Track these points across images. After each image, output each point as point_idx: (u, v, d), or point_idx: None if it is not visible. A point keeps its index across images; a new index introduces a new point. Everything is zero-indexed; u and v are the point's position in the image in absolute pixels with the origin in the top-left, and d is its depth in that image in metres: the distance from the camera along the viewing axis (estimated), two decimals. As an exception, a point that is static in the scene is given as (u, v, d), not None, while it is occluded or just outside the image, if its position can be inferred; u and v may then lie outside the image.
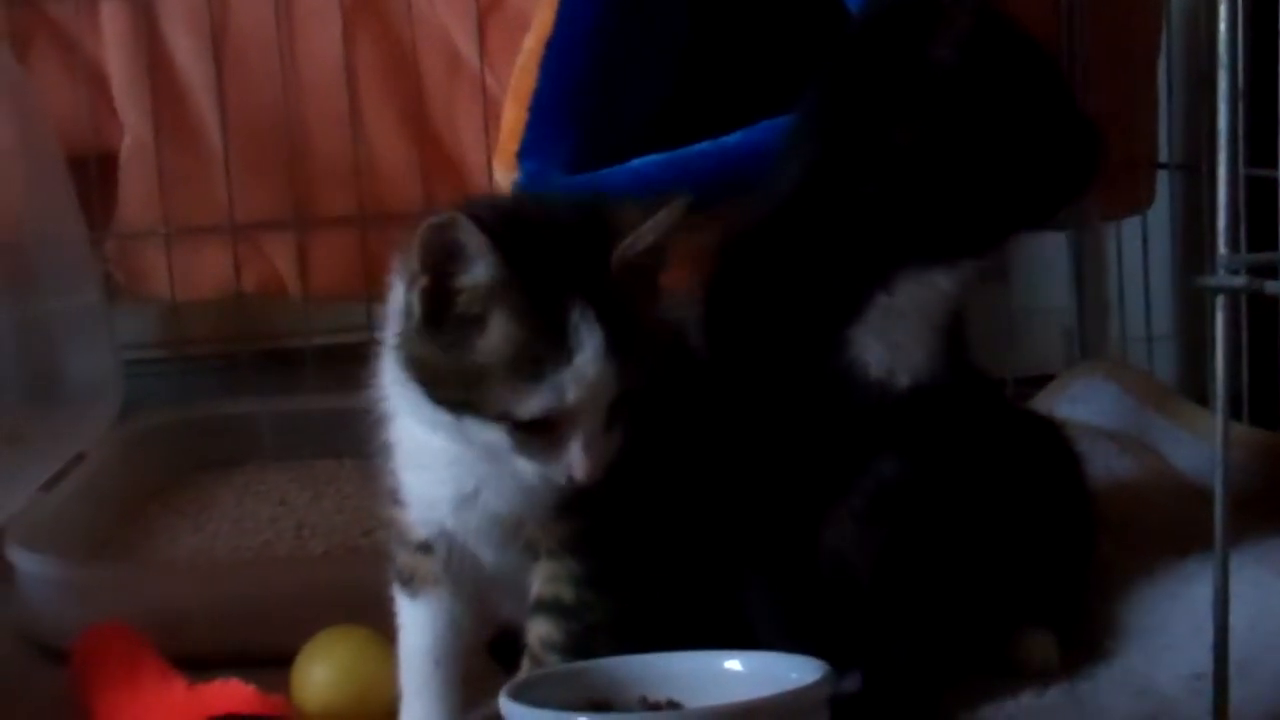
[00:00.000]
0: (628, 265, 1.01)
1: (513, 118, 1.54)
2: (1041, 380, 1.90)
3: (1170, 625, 1.26)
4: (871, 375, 1.12)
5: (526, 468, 1.02)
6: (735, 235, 1.19)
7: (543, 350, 0.98)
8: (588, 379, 0.99)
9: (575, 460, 1.00)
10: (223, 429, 1.82)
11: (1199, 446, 1.59)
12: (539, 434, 1.00)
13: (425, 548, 1.12)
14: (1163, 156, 1.89)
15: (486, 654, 1.23)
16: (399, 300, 1.04)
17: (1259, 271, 0.86)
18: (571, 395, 0.98)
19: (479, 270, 0.98)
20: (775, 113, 1.41)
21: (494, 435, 1.01)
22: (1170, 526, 1.40)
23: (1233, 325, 0.87)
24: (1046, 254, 2.03)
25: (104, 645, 1.24)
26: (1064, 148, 1.12)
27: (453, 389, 1.01)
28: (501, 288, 0.98)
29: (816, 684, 1.05)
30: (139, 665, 1.21)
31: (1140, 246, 1.89)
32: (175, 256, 1.84)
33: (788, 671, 1.08)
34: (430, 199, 1.85)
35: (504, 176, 1.55)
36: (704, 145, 1.49)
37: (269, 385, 1.91)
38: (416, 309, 1.00)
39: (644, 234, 1.01)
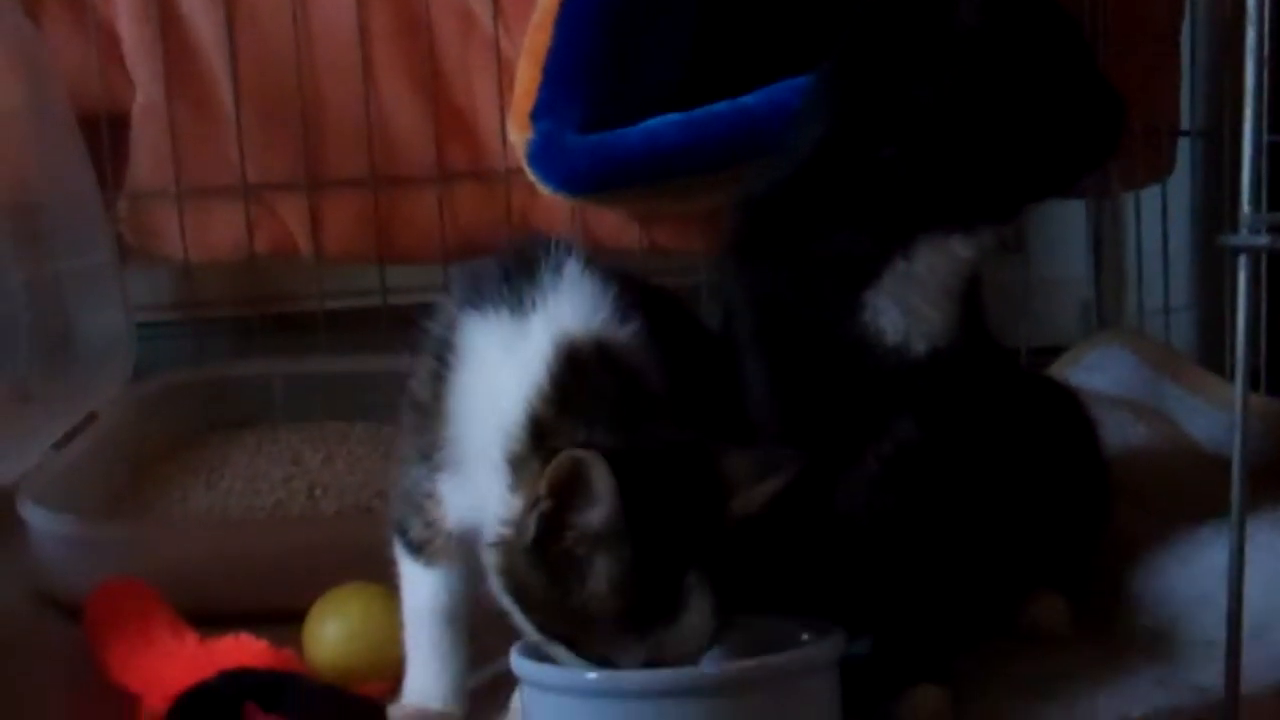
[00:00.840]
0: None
1: (527, 78, 1.53)
2: (1057, 351, 1.89)
3: (1183, 591, 1.25)
4: (888, 341, 1.12)
5: None
6: (754, 196, 1.18)
7: (649, 610, 0.96)
8: (690, 640, 0.98)
9: None
10: (235, 390, 1.81)
11: (1215, 415, 1.58)
12: None
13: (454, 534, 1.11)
14: (1184, 124, 1.87)
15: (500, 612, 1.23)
16: (499, 493, 1.00)
17: (1282, 232, 0.85)
18: (672, 653, 0.98)
19: (595, 515, 0.96)
20: (794, 73, 1.41)
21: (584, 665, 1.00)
22: (1185, 494, 1.40)
23: (1254, 287, 0.86)
24: (1064, 224, 2.02)
25: (117, 601, 1.24)
26: (1087, 113, 1.11)
27: (552, 621, 0.99)
28: (614, 539, 0.96)
29: (827, 646, 1.05)
30: (151, 621, 1.21)
31: (1159, 217, 1.88)
32: (187, 217, 1.83)
33: (798, 633, 1.08)
34: (443, 161, 1.84)
35: (518, 137, 1.54)
36: (721, 106, 1.48)
37: (281, 348, 1.91)
38: (530, 530, 0.97)
39: (756, 497, 1.00)
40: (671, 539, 0.97)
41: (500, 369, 1.03)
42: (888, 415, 1.13)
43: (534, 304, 1.04)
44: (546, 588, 0.98)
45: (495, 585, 1.02)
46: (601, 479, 0.94)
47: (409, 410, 1.11)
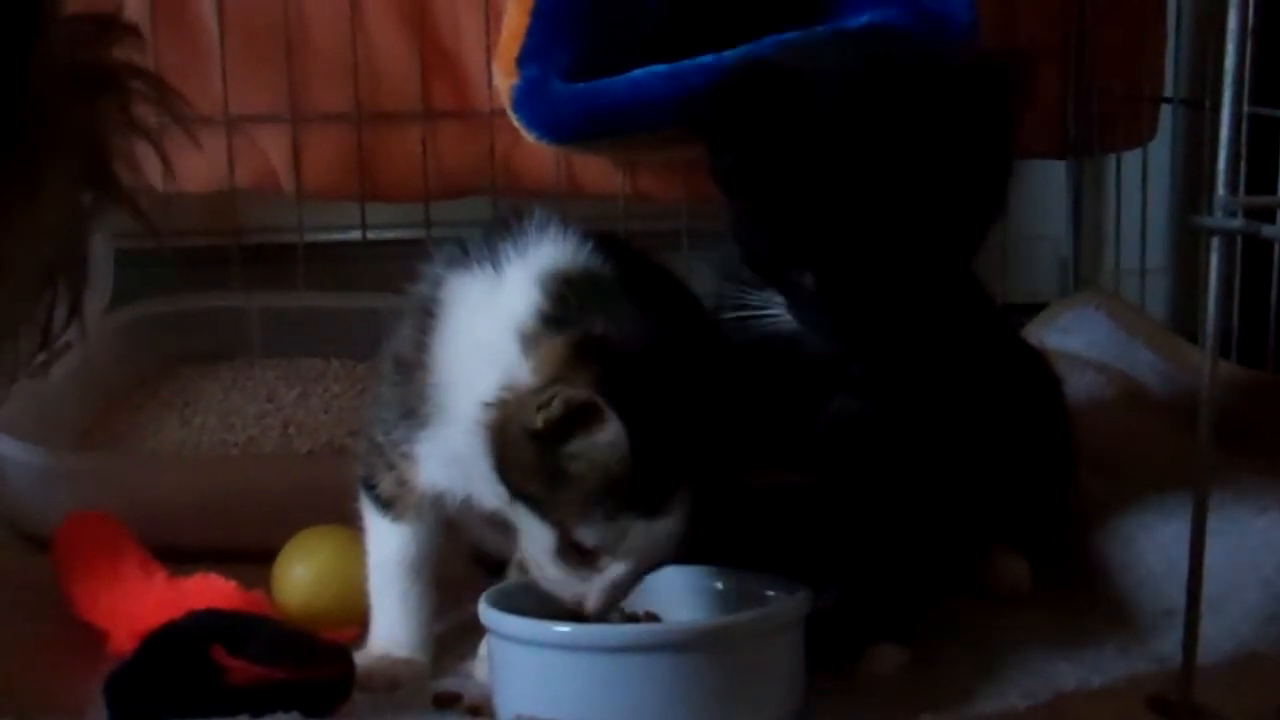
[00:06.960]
0: None
1: (514, 22, 1.52)
2: (1033, 308, 1.90)
3: (1147, 559, 1.26)
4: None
5: (547, 569, 1.01)
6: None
7: (632, 503, 0.97)
8: (654, 543, 0.99)
9: (593, 596, 1.00)
10: (211, 322, 1.80)
11: (1185, 382, 1.59)
12: (578, 554, 0.99)
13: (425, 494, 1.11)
14: (1167, 91, 1.87)
15: (469, 559, 1.24)
16: (501, 351, 1.01)
17: (1257, 215, 0.85)
18: (628, 548, 0.98)
19: (601, 439, 0.96)
20: (778, 29, 1.40)
21: (538, 532, 1.00)
22: (1151, 460, 1.40)
23: (1227, 266, 0.87)
24: (1045, 183, 2.02)
25: (85, 533, 1.24)
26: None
27: (525, 480, 0.99)
28: (618, 461, 0.96)
29: (793, 603, 1.06)
30: (120, 555, 1.21)
31: (1140, 179, 1.88)
32: (167, 146, 1.82)
33: (765, 589, 1.09)
34: (428, 99, 1.83)
35: (503, 81, 1.53)
36: (706, 59, 1.48)
37: (259, 280, 1.89)
38: (535, 422, 0.97)
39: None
40: (673, 449, 0.97)
41: (485, 309, 1.04)
42: (828, 390, 1.14)
43: (515, 254, 1.06)
44: (534, 464, 0.98)
45: (477, 439, 1.01)
46: (612, 422, 0.95)
47: (390, 368, 1.11)
